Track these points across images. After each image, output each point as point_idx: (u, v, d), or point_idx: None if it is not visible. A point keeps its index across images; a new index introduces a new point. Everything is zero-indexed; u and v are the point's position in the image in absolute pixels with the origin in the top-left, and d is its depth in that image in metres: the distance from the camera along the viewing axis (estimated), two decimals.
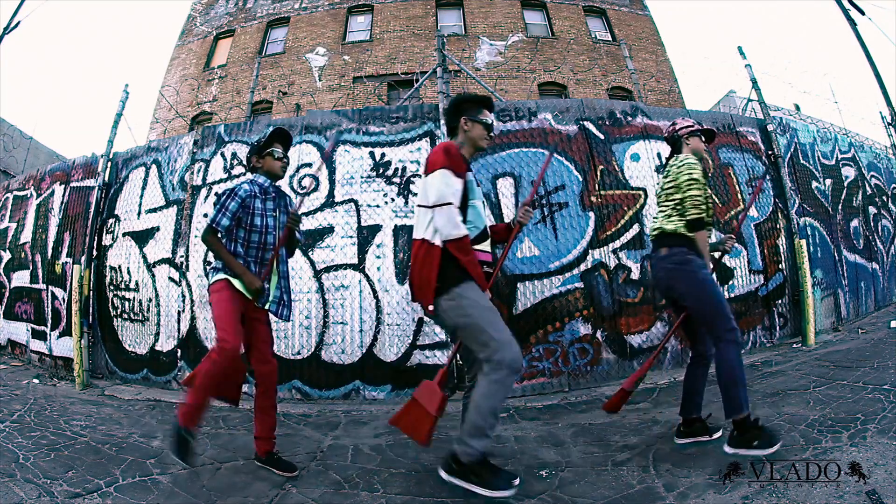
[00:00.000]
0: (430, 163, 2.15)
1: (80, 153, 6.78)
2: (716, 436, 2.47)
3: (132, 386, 4.43)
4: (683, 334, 2.52)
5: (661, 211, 2.49)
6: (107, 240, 4.90)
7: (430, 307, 2.06)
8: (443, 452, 2.64)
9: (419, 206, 2.18)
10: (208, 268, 2.49)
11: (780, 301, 4.65)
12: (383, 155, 4.26)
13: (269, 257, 2.48)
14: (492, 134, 2.32)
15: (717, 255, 2.67)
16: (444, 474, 2.09)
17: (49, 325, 5.22)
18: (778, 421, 2.65)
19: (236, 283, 2.36)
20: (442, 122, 4.26)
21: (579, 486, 2.21)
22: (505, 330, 2.05)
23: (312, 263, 4.11)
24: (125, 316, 4.68)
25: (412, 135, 4.30)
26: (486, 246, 2.21)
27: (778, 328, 4.62)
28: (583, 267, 4.08)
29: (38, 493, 2.19)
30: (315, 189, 4.26)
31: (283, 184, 4.32)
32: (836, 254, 5.29)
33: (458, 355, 2.57)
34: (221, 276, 2.38)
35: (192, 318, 4.30)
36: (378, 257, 4.06)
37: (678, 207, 2.39)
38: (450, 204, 2.05)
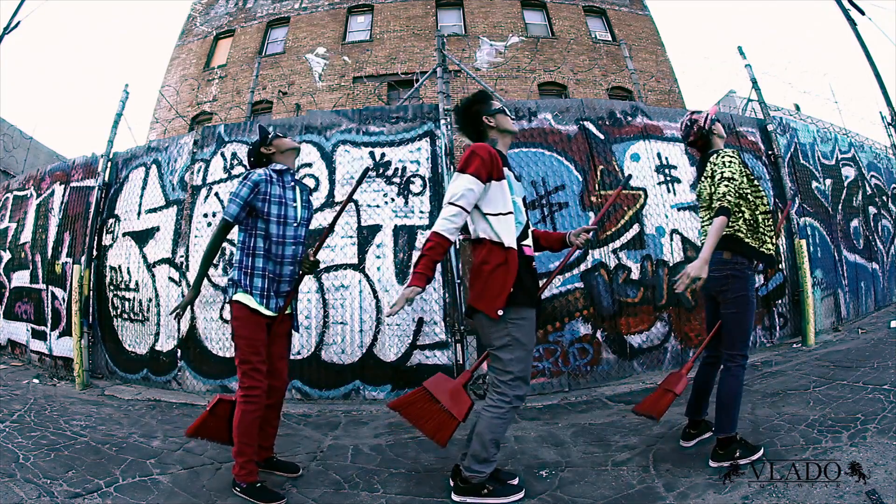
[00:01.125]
0: (459, 163, 2.13)
1: (80, 153, 6.80)
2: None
3: (132, 386, 4.43)
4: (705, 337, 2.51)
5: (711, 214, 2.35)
6: (107, 240, 4.90)
7: (500, 312, 2.01)
8: (442, 452, 2.65)
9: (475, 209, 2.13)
10: (227, 279, 2.34)
11: (780, 301, 4.65)
12: (383, 155, 4.26)
13: (289, 255, 2.32)
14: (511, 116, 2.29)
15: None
16: (456, 497, 2.12)
17: (49, 325, 5.22)
18: (778, 421, 2.65)
19: (254, 302, 2.23)
20: (442, 121, 4.26)
21: (579, 486, 2.21)
22: (528, 367, 2.09)
23: None
24: (125, 316, 4.68)
25: (412, 135, 4.30)
26: (528, 241, 2.21)
27: (778, 328, 4.62)
28: (583, 267, 4.08)
29: (38, 493, 2.19)
30: (315, 189, 4.26)
31: None
32: (836, 254, 5.29)
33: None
34: (240, 295, 2.24)
35: (192, 318, 4.30)
36: (378, 257, 4.06)
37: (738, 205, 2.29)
38: (458, 206, 2.03)
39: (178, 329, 4.36)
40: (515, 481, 2.19)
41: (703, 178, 2.40)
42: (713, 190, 2.26)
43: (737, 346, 2.26)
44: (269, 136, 2.42)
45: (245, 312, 2.23)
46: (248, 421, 2.18)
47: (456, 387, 2.21)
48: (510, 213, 2.08)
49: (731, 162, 2.26)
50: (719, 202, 2.17)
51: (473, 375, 2.35)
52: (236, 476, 2.20)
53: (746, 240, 2.27)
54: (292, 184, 2.40)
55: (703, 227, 2.47)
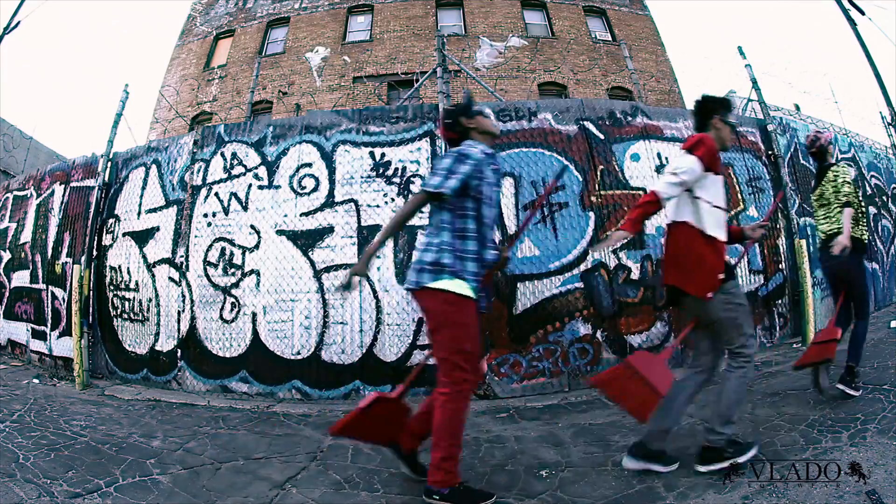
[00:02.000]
0: (685, 144, 2.22)
1: (80, 153, 6.79)
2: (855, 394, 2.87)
3: (132, 386, 4.43)
4: (840, 306, 3.14)
5: (835, 214, 3.10)
6: (107, 240, 4.90)
7: (710, 294, 2.14)
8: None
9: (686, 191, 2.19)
10: (424, 265, 2.10)
11: (780, 301, 4.65)
12: (383, 155, 4.26)
13: (491, 239, 2.21)
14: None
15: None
16: (701, 468, 2.16)
17: (49, 325, 5.21)
18: (778, 421, 2.66)
19: (468, 288, 2.04)
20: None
21: (579, 486, 2.21)
22: (752, 326, 2.26)
23: (312, 263, 4.11)
24: (125, 316, 4.68)
25: (412, 135, 4.29)
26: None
27: (778, 328, 4.62)
28: (583, 267, 4.08)
29: (38, 493, 2.19)
30: (315, 189, 4.27)
31: (284, 184, 4.34)
32: None
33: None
34: (448, 282, 2.03)
35: (192, 318, 4.30)
36: (378, 257, 4.05)
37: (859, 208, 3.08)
38: (679, 178, 2.11)
39: (178, 329, 4.36)
40: (755, 450, 2.19)
41: (823, 182, 3.14)
42: (837, 190, 3.03)
43: (864, 308, 3.06)
44: (475, 109, 2.27)
45: (458, 298, 2.03)
46: (459, 419, 2.00)
47: (659, 362, 2.22)
48: (720, 208, 2.19)
49: (847, 173, 3.09)
50: (846, 198, 2.99)
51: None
52: (439, 482, 1.99)
53: (860, 235, 3.06)
54: (494, 167, 2.25)
55: (818, 221, 3.22)
